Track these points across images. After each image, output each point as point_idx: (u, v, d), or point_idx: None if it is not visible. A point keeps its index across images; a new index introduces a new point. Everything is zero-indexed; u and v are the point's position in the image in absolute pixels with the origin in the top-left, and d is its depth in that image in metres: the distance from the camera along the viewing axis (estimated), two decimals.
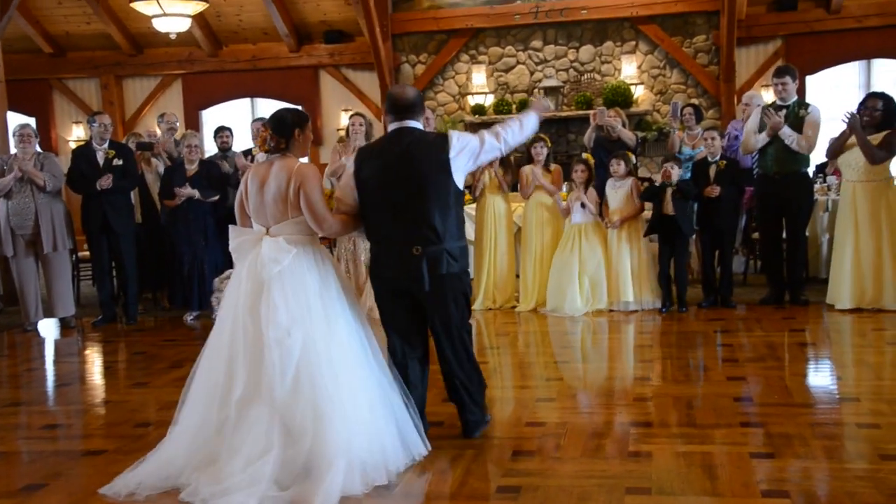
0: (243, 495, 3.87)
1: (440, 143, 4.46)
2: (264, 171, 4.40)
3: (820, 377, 5.96)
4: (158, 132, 10.19)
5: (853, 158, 7.58)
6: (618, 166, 8.12)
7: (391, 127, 4.57)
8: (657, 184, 8.10)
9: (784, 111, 7.84)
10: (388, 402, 4.32)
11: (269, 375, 4.12)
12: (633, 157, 8.48)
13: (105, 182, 8.30)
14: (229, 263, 8.34)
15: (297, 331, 4.15)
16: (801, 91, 12.16)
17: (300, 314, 4.19)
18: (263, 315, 4.17)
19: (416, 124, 4.57)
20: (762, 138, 7.85)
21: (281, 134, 4.40)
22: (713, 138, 8.07)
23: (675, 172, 7.94)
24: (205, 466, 4.12)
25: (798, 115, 7.79)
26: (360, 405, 4.19)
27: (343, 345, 4.27)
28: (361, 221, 4.59)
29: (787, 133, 7.69)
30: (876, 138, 7.46)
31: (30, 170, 8.20)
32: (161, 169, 9.29)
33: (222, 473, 4.01)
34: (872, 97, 7.68)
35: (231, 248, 4.48)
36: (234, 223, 4.57)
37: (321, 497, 3.85)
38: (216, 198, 8.47)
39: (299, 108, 5.01)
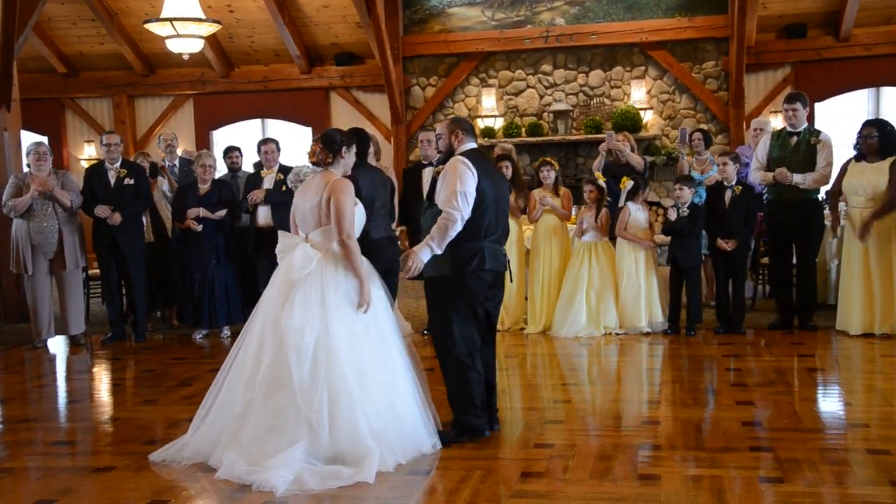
0: (280, 471, 4.31)
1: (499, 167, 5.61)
2: (309, 183, 4.91)
3: (829, 402, 5.95)
4: (160, 149, 10.24)
5: (860, 185, 7.56)
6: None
7: (468, 146, 5.06)
8: (670, 207, 8.12)
9: (795, 138, 7.86)
10: (410, 397, 4.79)
11: (289, 369, 4.55)
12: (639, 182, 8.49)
13: (108, 215, 8.33)
14: (239, 282, 8.50)
15: (310, 332, 4.56)
16: (810, 118, 12.19)
17: (315, 316, 4.60)
18: (285, 314, 4.61)
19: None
20: (766, 178, 7.89)
21: (329, 150, 4.85)
22: (725, 164, 8.03)
23: (687, 192, 7.96)
24: (229, 444, 4.59)
25: (810, 143, 7.81)
26: (383, 398, 4.65)
27: (361, 345, 4.68)
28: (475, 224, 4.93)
29: (798, 180, 7.72)
30: (881, 166, 7.46)
31: (56, 190, 8.22)
32: (165, 188, 9.33)
33: (260, 454, 4.44)
34: (867, 125, 7.67)
35: (277, 250, 4.94)
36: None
37: (363, 473, 4.34)
38: (223, 212, 8.45)
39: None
